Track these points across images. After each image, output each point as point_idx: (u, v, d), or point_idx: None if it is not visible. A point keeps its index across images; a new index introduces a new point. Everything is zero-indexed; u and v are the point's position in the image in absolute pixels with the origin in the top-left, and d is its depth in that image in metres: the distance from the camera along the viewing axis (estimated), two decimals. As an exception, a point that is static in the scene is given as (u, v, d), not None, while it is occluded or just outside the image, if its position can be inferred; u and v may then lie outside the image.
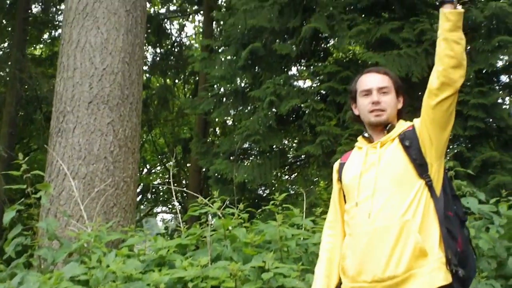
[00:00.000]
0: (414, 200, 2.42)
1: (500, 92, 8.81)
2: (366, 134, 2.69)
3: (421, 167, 2.47)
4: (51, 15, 15.76)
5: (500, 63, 8.99)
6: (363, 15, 9.05)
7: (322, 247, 2.74)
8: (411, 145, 2.49)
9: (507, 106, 8.99)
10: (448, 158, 4.97)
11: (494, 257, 4.19)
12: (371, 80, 2.67)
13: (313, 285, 2.68)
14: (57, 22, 15.58)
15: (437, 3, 2.43)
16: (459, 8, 2.38)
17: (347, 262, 2.50)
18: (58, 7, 15.74)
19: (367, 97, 2.65)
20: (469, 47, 8.54)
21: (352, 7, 9.00)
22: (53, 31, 16.17)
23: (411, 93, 8.02)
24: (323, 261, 2.68)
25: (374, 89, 2.63)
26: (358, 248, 2.44)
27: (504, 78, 9.30)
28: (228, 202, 5.01)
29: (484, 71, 8.36)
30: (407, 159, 2.49)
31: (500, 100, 8.41)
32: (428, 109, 2.44)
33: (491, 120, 8.18)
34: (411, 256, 2.34)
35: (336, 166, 2.82)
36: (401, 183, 2.45)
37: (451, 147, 8.19)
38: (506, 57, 8.72)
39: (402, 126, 2.62)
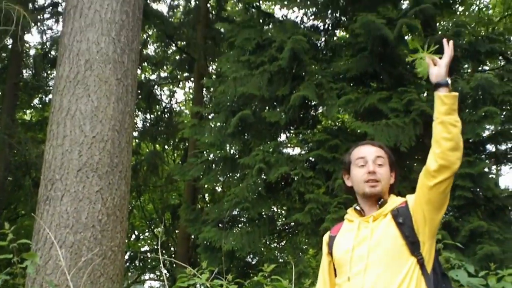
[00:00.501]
0: (406, 277, 2.42)
1: (487, 161, 8.91)
2: (357, 207, 2.68)
3: (413, 245, 2.47)
4: (42, 80, 15.92)
5: (486, 133, 9.14)
6: (351, 84, 9.23)
7: None
8: (404, 222, 2.50)
9: (494, 176, 9.08)
10: (437, 228, 4.98)
11: (484, 330, 4.16)
12: (367, 151, 2.70)
13: None
14: (48, 88, 15.73)
15: (432, 87, 2.49)
16: (454, 92, 2.44)
17: None
18: (49, 72, 15.92)
19: (362, 167, 2.66)
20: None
21: (341, 76, 9.17)
22: (43, 96, 16.30)
23: (399, 163, 8.09)
24: None
25: (370, 159, 2.65)
26: None
27: (490, 147, 9.44)
28: (216, 271, 4.96)
29: (471, 141, 8.48)
30: (400, 236, 2.49)
31: (486, 169, 8.49)
32: (425, 190, 2.45)
33: (478, 189, 8.25)
34: None
35: (326, 238, 2.80)
36: (394, 259, 2.45)
37: (440, 216, 8.20)
38: (492, 127, 8.88)
39: (394, 201, 2.63)
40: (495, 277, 4.49)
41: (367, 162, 2.65)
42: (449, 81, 2.47)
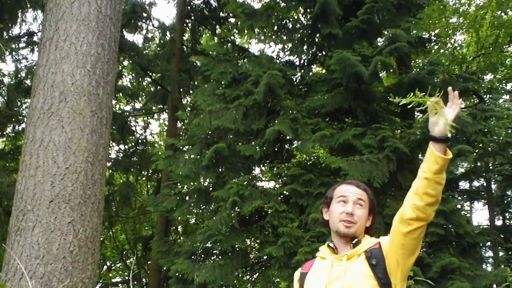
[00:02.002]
0: None
1: (459, 198, 9.06)
2: (331, 244, 2.71)
3: (385, 286, 2.51)
4: (15, 109, 15.80)
5: (459, 170, 9.31)
6: (326, 120, 9.34)
7: None
8: (377, 264, 2.54)
9: (466, 213, 9.23)
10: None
11: None
12: (350, 191, 2.73)
13: None
14: (21, 117, 15.61)
15: (429, 138, 2.44)
16: (448, 152, 2.43)
17: None
18: (22, 101, 15.81)
19: (342, 205, 2.69)
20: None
21: (316, 112, 9.27)
22: (16, 125, 16.16)
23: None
24: None
25: (351, 200, 2.69)
26: None
27: (463, 185, 9.63)
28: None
29: (444, 178, 8.61)
30: (373, 277, 2.52)
31: (459, 206, 8.63)
32: (399, 236, 2.49)
33: (450, 226, 8.36)
34: None
35: (297, 275, 2.81)
36: None
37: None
38: (465, 164, 9.06)
39: (368, 242, 2.66)
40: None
41: (348, 202, 2.69)
42: (450, 137, 2.43)
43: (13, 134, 15.85)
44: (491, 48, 15.20)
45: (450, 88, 2.49)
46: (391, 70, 9.83)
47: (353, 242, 2.65)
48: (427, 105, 2.41)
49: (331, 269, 2.61)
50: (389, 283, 2.52)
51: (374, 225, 2.80)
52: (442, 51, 15.63)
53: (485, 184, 14.64)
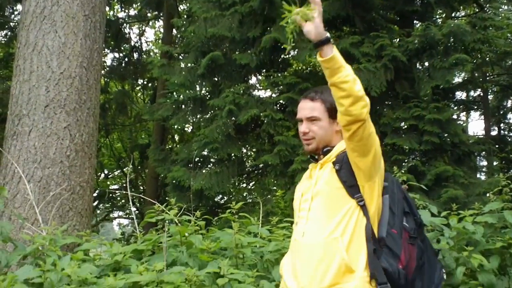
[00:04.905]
0: (343, 219, 2.51)
1: (455, 108, 9.05)
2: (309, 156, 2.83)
3: (351, 188, 2.55)
4: (7, 15, 15.47)
5: (456, 80, 9.26)
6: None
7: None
8: (340, 168, 2.58)
9: (462, 122, 9.25)
10: (402, 171, 5.11)
11: (443, 267, 4.32)
12: (302, 109, 2.74)
13: None
14: (13, 24, 15.32)
15: (314, 46, 2.34)
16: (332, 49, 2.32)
17: (284, 271, 2.69)
18: (14, 7, 15.47)
19: (300, 125, 2.74)
20: (427, 63, 8.78)
21: (312, 19, 9.08)
22: (9, 32, 15.87)
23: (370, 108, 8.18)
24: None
25: (304, 118, 2.71)
26: (293, 261, 2.60)
27: (459, 95, 9.60)
28: (185, 209, 5.03)
29: (440, 87, 8.59)
30: (337, 180, 2.57)
31: (455, 116, 8.64)
32: (346, 142, 2.51)
33: (446, 135, 8.40)
34: (336, 272, 2.43)
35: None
36: (331, 204, 2.55)
37: (406, 160, 8.39)
38: (462, 74, 9.00)
39: (340, 147, 2.68)
40: (456, 217, 4.64)
41: (302, 122, 2.73)
42: (329, 36, 2.33)
43: (5, 41, 15.59)
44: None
45: None
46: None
47: (324, 150, 2.70)
48: (293, 14, 2.33)
49: (310, 179, 2.72)
50: (355, 185, 2.55)
51: None
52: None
53: (481, 94, 14.67)
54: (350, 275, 2.43)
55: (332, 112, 2.68)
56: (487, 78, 13.81)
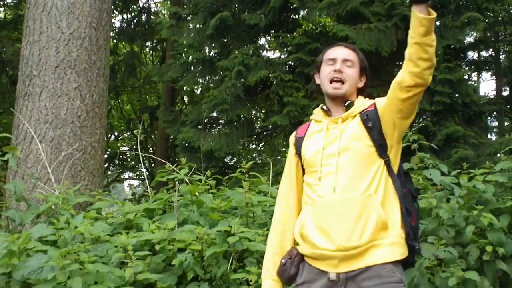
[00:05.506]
0: (375, 177, 2.52)
1: (467, 68, 8.97)
2: (324, 107, 2.71)
3: (381, 148, 2.55)
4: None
5: (468, 40, 9.14)
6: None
7: (274, 217, 2.80)
8: (373, 126, 2.56)
9: (473, 82, 9.17)
10: (413, 131, 5.11)
11: (453, 226, 4.35)
12: (338, 52, 2.70)
13: (265, 255, 2.74)
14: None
15: (410, 1, 2.34)
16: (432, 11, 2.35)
17: (308, 230, 2.55)
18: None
19: (331, 66, 2.68)
20: (438, 23, 8.67)
21: (323, -22, 8.99)
22: (17, -6, 15.78)
23: (379, 67, 8.13)
24: (276, 231, 2.75)
25: (339, 59, 2.67)
26: (322, 218, 2.50)
27: (471, 55, 9.49)
28: (195, 169, 5.07)
29: (452, 47, 8.50)
30: (368, 139, 2.56)
31: (466, 76, 8.57)
32: (397, 101, 2.48)
33: (456, 95, 8.35)
34: (374, 228, 2.43)
35: (292, 139, 2.83)
36: (363, 161, 2.53)
37: (416, 121, 8.36)
38: (474, 34, 8.88)
39: (362, 103, 2.67)
40: (467, 176, 4.65)
41: (337, 62, 2.67)
42: None
43: (15, 3, 15.51)
44: None
45: None
46: None
47: (346, 104, 2.65)
48: None
49: (327, 132, 2.64)
50: (384, 144, 2.56)
51: (367, 88, 2.80)
52: None
53: (493, 54, 14.49)
54: (385, 232, 2.46)
55: (362, 68, 2.72)
56: (499, 37, 13.63)
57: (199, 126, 9.41)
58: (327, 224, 2.48)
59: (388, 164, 2.57)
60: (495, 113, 9.94)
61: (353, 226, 2.43)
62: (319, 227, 2.50)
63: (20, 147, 5.39)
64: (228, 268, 3.72)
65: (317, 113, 2.77)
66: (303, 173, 2.74)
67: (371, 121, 2.57)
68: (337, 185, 2.51)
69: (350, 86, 2.67)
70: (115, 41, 16.33)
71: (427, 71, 2.38)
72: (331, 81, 2.66)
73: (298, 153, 2.75)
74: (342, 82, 2.65)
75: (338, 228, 2.45)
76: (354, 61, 2.70)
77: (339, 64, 2.66)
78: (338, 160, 2.54)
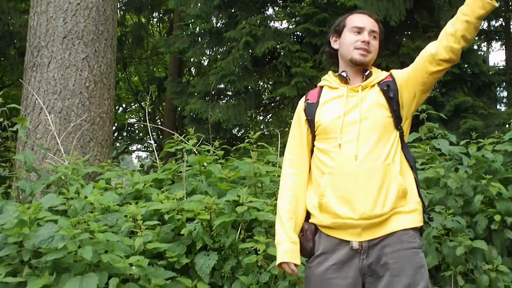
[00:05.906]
0: (393, 147, 2.53)
1: (476, 38, 8.88)
2: (344, 74, 2.66)
3: (397, 119, 2.57)
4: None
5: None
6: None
7: (285, 183, 2.69)
8: (393, 97, 2.57)
9: (483, 53, 9.08)
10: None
11: (461, 196, 4.37)
12: (365, 21, 2.67)
13: (278, 221, 2.62)
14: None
15: None
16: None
17: (328, 199, 2.51)
18: None
19: (357, 34, 2.64)
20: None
21: None
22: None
23: (388, 37, 8.05)
24: (289, 197, 2.64)
25: (367, 29, 2.64)
26: (343, 187, 2.48)
27: (481, 24, 9.37)
28: (203, 140, 5.08)
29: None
30: (387, 109, 2.56)
31: (475, 47, 8.49)
32: (424, 73, 2.50)
33: (466, 66, 8.29)
34: (396, 196, 2.45)
35: (301, 105, 2.77)
36: (382, 130, 2.53)
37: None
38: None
39: (379, 74, 2.66)
40: (475, 146, 4.65)
41: (364, 32, 2.64)
42: None
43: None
44: None
45: None
46: None
47: (366, 73, 2.64)
48: None
49: (347, 99, 2.60)
50: (400, 116, 2.57)
51: (387, 58, 2.82)
52: None
53: (503, 24, 14.35)
54: (405, 200, 2.48)
55: (381, 40, 2.73)
56: (510, 7, 13.49)
57: (206, 98, 9.40)
58: (349, 193, 2.46)
59: (402, 136, 2.59)
60: (504, 83, 9.87)
61: (376, 195, 2.44)
62: (340, 196, 2.47)
63: (29, 118, 5.41)
64: (237, 238, 3.75)
65: (330, 79, 2.73)
66: (313, 140, 2.71)
67: (393, 92, 2.57)
68: (359, 153, 2.49)
69: (373, 57, 2.67)
70: (122, 12, 16.26)
71: (461, 49, 2.46)
72: (358, 49, 2.64)
73: (310, 118, 2.69)
74: (369, 52, 2.64)
75: (361, 197, 2.44)
76: (378, 32, 2.70)
77: (367, 35, 2.64)
78: (359, 128, 2.52)
